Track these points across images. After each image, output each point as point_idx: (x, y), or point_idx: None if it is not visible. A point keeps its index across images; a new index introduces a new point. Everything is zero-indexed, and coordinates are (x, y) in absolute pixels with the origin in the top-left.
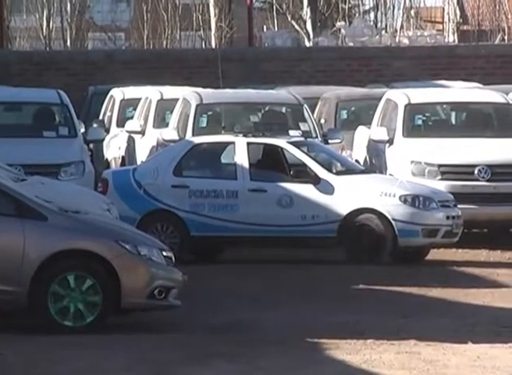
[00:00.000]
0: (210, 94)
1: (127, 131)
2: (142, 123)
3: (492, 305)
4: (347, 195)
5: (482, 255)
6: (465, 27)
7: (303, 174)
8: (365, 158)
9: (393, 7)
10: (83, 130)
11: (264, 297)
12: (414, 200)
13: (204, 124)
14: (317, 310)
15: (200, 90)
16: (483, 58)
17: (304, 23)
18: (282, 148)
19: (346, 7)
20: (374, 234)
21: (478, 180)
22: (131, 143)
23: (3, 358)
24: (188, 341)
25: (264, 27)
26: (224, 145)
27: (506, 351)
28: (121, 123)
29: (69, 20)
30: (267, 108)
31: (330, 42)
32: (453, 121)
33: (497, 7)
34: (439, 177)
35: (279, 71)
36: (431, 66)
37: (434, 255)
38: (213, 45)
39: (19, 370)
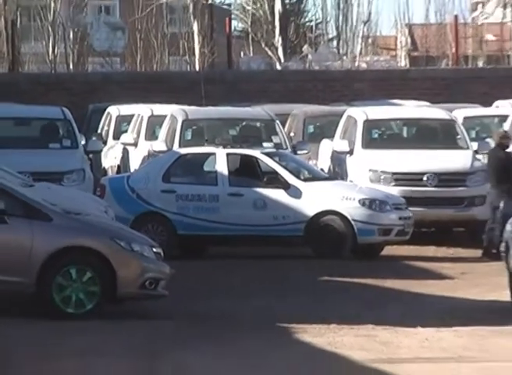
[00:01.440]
0: (194, 111)
1: (122, 143)
2: (135, 136)
3: (438, 294)
4: (313, 199)
5: (430, 250)
6: (415, 53)
7: (275, 181)
8: (329, 167)
9: (353, 36)
10: (83, 142)
11: (241, 288)
12: (372, 203)
13: (189, 137)
14: (287, 299)
15: (185, 107)
16: (431, 80)
17: (276, 49)
18: (257, 158)
19: (313, 36)
20: (336, 233)
21: (426, 186)
22: (125, 153)
23: (13, 341)
24: (175, 326)
25: (242, 53)
26: (206, 155)
27: (451, 334)
28: (116, 136)
29: (71, 46)
30: (244, 123)
31: (298, 66)
32: (405, 135)
33: (442, 36)
34: (393, 183)
35: (254, 91)
36: (386, 87)
37: (388, 250)
38: (197, 69)
39: (26, 352)
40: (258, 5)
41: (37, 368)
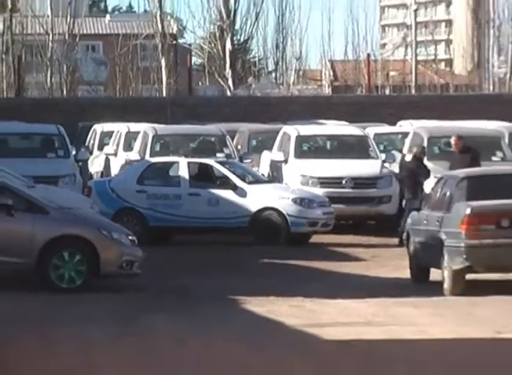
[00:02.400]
0: (162, 128)
1: (105, 153)
2: (115, 148)
3: (354, 273)
4: (256, 198)
5: (348, 239)
6: (336, 83)
7: (225, 183)
8: (268, 173)
9: (288, 69)
10: (74, 152)
11: (198, 268)
12: (302, 201)
13: (158, 149)
14: (235, 277)
15: (155, 125)
16: (349, 104)
17: (227, 80)
18: (211, 166)
19: (256, 69)
20: (274, 225)
21: (344, 187)
22: (107, 161)
23: (16, 310)
24: (146, 298)
25: (199, 82)
26: (171, 163)
27: (363, 304)
28: (100, 148)
29: (65, 77)
30: (201, 138)
31: (244, 93)
32: (328, 147)
33: (357, 70)
34: (319, 186)
35: (209, 113)
36: (313, 110)
37: (315, 238)
38: (164, 95)
39: (28, 316)
40: (213, 45)
41: (38, 334)
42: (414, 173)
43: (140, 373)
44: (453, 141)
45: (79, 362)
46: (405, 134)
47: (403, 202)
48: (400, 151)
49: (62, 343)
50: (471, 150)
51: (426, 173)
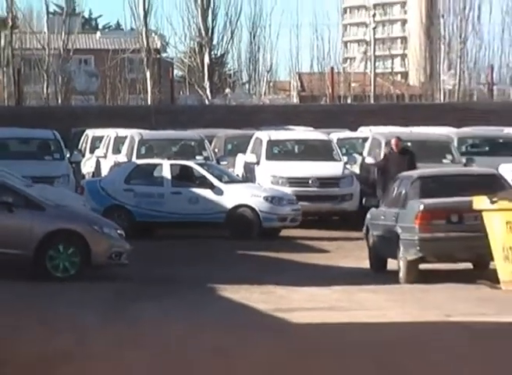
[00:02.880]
0: (147, 133)
1: (96, 156)
2: (105, 151)
3: (319, 263)
4: (231, 196)
5: (314, 233)
6: (303, 93)
7: (204, 183)
8: (242, 173)
9: (260, 80)
10: (68, 155)
11: (180, 259)
12: (272, 199)
13: (144, 152)
14: (212, 267)
15: (141, 131)
16: (314, 112)
17: (205, 90)
18: (191, 167)
19: (231, 80)
20: (247, 220)
21: (311, 187)
22: (98, 163)
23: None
24: (133, 286)
25: (181, 92)
26: (156, 165)
27: (328, 291)
28: (92, 151)
29: (60, 87)
30: (182, 142)
31: (221, 102)
32: (296, 150)
33: (322, 81)
34: (288, 185)
35: (189, 120)
36: (283, 117)
37: (284, 232)
38: (149, 103)
39: (27, 303)
40: (192, 59)
41: (36, 317)
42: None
43: (127, 355)
44: (393, 142)
45: (73, 346)
46: (365, 139)
47: (363, 200)
48: (361, 154)
49: (57, 327)
50: (409, 152)
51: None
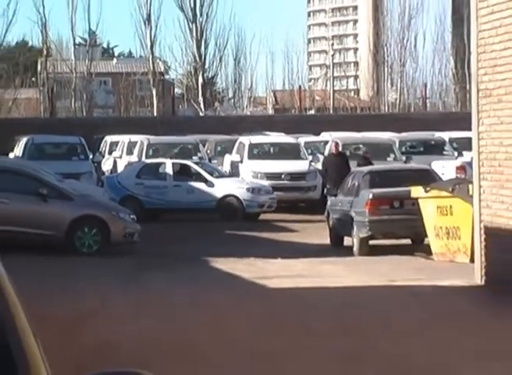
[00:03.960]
0: (154, 139)
1: (113, 157)
2: (120, 153)
3: (291, 240)
4: (221, 188)
5: (286, 216)
6: (277, 106)
7: (199, 178)
8: (229, 170)
9: (243, 96)
10: (91, 156)
11: (180, 238)
12: (253, 190)
13: (151, 153)
14: (206, 244)
15: (149, 136)
16: (286, 121)
17: (199, 104)
18: (189, 165)
19: (220, 96)
20: (233, 207)
21: (283, 180)
22: (115, 162)
23: (49, 268)
24: (143, 259)
25: (180, 106)
26: (160, 164)
27: (297, 262)
28: (110, 153)
29: (84, 103)
30: (181, 146)
31: (212, 114)
32: (271, 151)
33: (292, 96)
34: (265, 179)
35: (187, 128)
36: (261, 125)
37: (263, 216)
38: (155, 115)
39: (59, 273)
40: (189, 79)
41: (68, 284)
42: (341, 169)
43: (141, 312)
44: (332, 145)
45: (94, 307)
46: (326, 142)
47: (325, 190)
48: (322, 154)
49: (85, 292)
50: (343, 154)
51: (348, 169)
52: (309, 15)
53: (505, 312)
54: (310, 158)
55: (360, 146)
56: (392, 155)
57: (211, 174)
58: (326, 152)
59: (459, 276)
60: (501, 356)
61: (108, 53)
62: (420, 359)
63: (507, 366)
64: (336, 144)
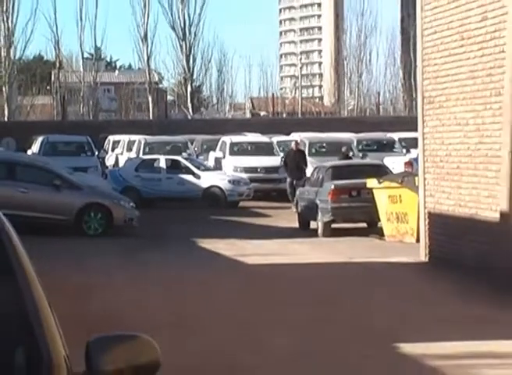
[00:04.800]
0: (150, 138)
1: (115, 153)
2: (121, 150)
3: (265, 224)
4: (206, 180)
5: (261, 204)
6: (254, 111)
7: (188, 171)
8: (214, 165)
9: (225, 102)
10: (97, 153)
11: (172, 221)
12: (234, 181)
13: (147, 150)
14: (193, 226)
15: (145, 136)
16: (261, 124)
17: (188, 109)
18: (179, 160)
19: (206, 102)
20: (217, 196)
21: (259, 173)
22: (117, 158)
23: (62, 247)
24: (140, 240)
25: (172, 111)
26: (155, 159)
27: (271, 242)
28: (112, 150)
29: (91, 108)
30: (173, 144)
31: (199, 117)
32: (249, 149)
33: (267, 103)
34: (244, 172)
35: (177, 129)
36: (240, 127)
37: (242, 204)
38: (151, 118)
39: (69, 251)
40: (179, 88)
41: (76, 260)
42: (299, 163)
43: (139, 285)
44: (293, 144)
45: (99, 280)
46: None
47: (288, 182)
48: None
49: (91, 267)
50: (302, 151)
51: (305, 164)
52: (281, 34)
53: (443, 283)
54: (281, 154)
55: (324, 144)
56: (351, 152)
57: (198, 168)
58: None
59: (406, 254)
60: (437, 318)
61: (111, 66)
62: (373, 321)
63: (441, 326)
64: (297, 143)
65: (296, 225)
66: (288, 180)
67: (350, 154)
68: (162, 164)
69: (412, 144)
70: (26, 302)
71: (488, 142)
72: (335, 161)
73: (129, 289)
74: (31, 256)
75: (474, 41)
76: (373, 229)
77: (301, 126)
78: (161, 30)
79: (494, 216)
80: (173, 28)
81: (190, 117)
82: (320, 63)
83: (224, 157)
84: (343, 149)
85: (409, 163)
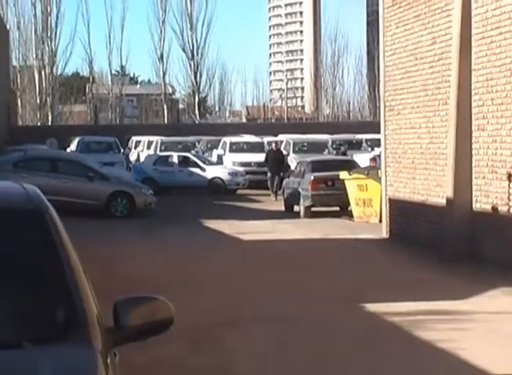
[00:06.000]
0: (165, 139)
1: (137, 151)
2: (142, 148)
3: (258, 208)
4: (210, 172)
5: (254, 192)
6: (249, 117)
7: (195, 165)
8: (216, 160)
9: (225, 110)
10: (122, 150)
11: (183, 205)
12: (232, 173)
13: (163, 149)
14: (200, 209)
15: (162, 137)
16: (255, 127)
17: (196, 115)
18: (188, 157)
19: (210, 110)
20: (219, 185)
21: (253, 167)
22: (138, 155)
23: (92, 226)
24: (157, 220)
25: (183, 117)
26: (169, 156)
27: (263, 222)
28: (135, 148)
29: (118, 114)
30: (183, 143)
31: (204, 122)
32: (245, 147)
33: (260, 110)
34: (241, 166)
35: (188, 131)
36: (238, 130)
37: (239, 192)
38: (166, 122)
39: (100, 229)
40: (189, 99)
41: (106, 236)
42: (278, 161)
43: (156, 254)
44: (273, 144)
45: (124, 251)
46: (281, 141)
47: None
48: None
49: (117, 241)
50: (281, 151)
51: (283, 162)
52: (270, 55)
53: (400, 255)
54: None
55: (305, 144)
56: (326, 150)
57: (204, 163)
58: (282, 148)
59: (371, 232)
60: (395, 282)
61: (133, 80)
62: (343, 285)
63: (398, 289)
64: (276, 143)
65: (283, 209)
66: (268, 175)
67: (326, 151)
68: (175, 159)
69: (376, 143)
70: (65, 270)
71: (436, 142)
72: (316, 156)
73: (148, 258)
74: (69, 233)
75: (426, 61)
76: (344, 212)
77: (287, 129)
78: (174, 51)
79: (441, 201)
80: (184, 50)
81: (197, 122)
82: (302, 78)
83: (225, 154)
84: (342, 148)
85: (373, 159)
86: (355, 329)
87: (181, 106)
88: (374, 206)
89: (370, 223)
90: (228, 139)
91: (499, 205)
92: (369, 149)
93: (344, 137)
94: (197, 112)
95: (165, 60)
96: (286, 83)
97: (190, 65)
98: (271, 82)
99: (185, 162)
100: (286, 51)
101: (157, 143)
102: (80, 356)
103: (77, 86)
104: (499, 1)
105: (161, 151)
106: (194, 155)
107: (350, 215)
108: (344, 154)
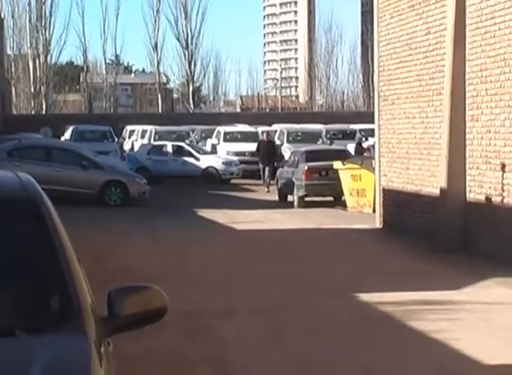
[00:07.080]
0: (159, 128)
1: (131, 140)
2: (136, 137)
3: (251, 198)
4: (204, 161)
5: (249, 181)
6: (243, 107)
7: (189, 155)
8: (210, 150)
9: (220, 99)
10: (116, 139)
11: (177, 195)
12: (226, 163)
13: (157, 138)
14: (194, 199)
15: (156, 126)
16: (249, 117)
17: (190, 105)
18: (182, 146)
19: (204, 99)
20: (213, 174)
21: (246, 156)
22: (133, 144)
23: (86, 213)
24: (151, 209)
25: (177, 106)
26: (163, 145)
27: (256, 212)
28: (129, 137)
29: (112, 103)
30: (177, 132)
31: (198, 111)
32: (239, 137)
33: (255, 100)
34: (235, 155)
35: (182, 120)
36: (232, 119)
37: (233, 181)
38: (160, 112)
39: (94, 218)
40: (183, 88)
41: (100, 225)
42: (269, 151)
43: (150, 244)
44: (264, 135)
45: (119, 240)
46: (275, 131)
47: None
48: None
49: (111, 230)
50: (272, 141)
51: (274, 152)
52: (264, 45)
53: (394, 245)
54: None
55: (299, 133)
56: (320, 140)
57: (198, 152)
58: (276, 138)
59: (365, 222)
60: (389, 272)
61: (128, 69)
62: (337, 275)
63: (392, 278)
64: (268, 134)
65: (277, 198)
66: (260, 165)
67: (320, 141)
68: (169, 149)
69: (370, 133)
70: (59, 259)
71: (430, 132)
72: (310, 146)
73: (141, 248)
74: (64, 222)
75: (420, 51)
76: (338, 202)
77: (281, 119)
78: (169, 41)
79: (435, 191)
80: (178, 39)
81: (191, 111)
82: (296, 68)
83: (219, 143)
84: (357, 138)
85: (367, 149)
86: (348, 318)
87: (175, 96)
88: (367, 196)
89: (363, 213)
90: (222, 129)
91: (492, 195)
92: (363, 139)
93: (338, 127)
94: (191, 101)
95: (159, 49)
96: (281, 72)
97: (185, 54)
98: (265, 72)
99: (179, 151)
100: (281, 41)
101: (151, 132)
102: (74, 345)
103: (71, 75)
104: None
105: (155, 140)
106: (188, 145)
107: (343, 205)
108: (360, 144)
